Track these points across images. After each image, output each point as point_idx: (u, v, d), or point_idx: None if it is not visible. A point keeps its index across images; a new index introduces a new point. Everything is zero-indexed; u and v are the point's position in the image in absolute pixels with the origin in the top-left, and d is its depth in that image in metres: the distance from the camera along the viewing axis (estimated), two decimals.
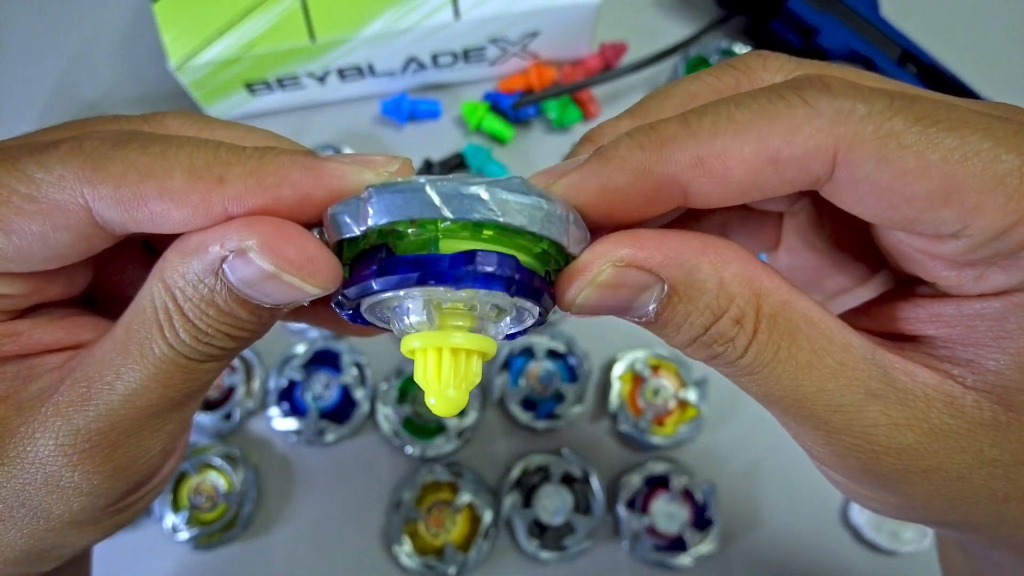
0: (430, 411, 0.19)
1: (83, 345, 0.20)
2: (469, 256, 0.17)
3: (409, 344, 0.18)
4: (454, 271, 0.17)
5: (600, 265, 0.18)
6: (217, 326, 0.18)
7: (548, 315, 0.20)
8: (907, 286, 0.20)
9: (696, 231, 0.18)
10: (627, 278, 0.18)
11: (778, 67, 0.20)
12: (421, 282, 0.17)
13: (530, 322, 0.20)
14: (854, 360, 0.18)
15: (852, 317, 0.21)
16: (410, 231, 0.17)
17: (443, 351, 0.18)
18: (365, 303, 0.19)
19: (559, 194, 0.18)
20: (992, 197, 0.16)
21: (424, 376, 0.18)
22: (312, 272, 0.17)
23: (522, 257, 0.18)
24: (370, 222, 0.17)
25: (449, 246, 0.17)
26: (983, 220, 0.16)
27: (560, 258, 0.19)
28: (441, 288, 0.17)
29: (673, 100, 0.20)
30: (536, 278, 0.18)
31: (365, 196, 0.17)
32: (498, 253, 0.17)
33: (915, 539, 0.44)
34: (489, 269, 0.17)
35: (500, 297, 0.18)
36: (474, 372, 0.18)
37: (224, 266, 0.17)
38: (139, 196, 0.17)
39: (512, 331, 0.20)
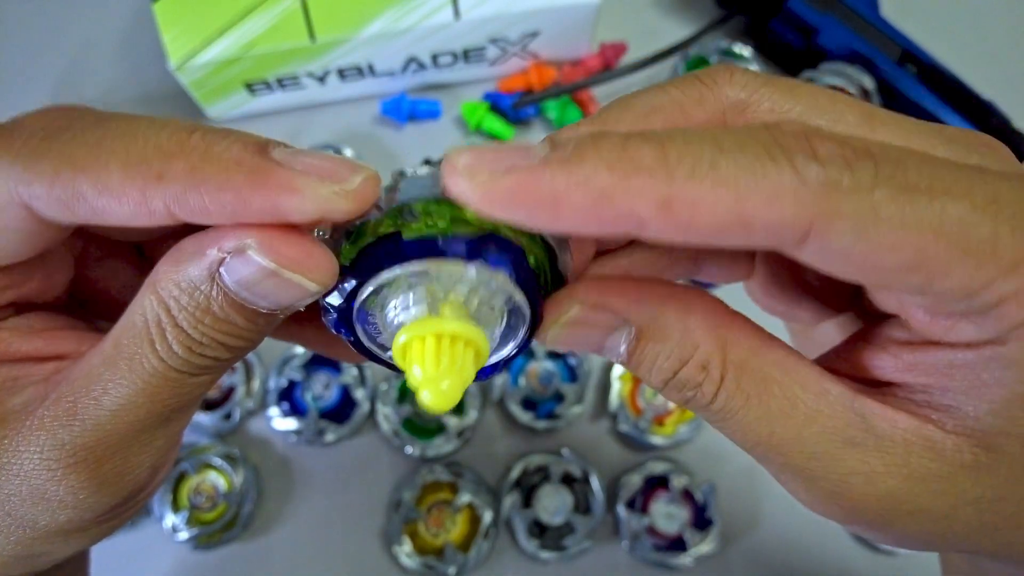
0: (427, 411, 0.19)
1: (66, 356, 0.20)
2: (485, 237, 0.18)
3: (400, 339, 0.18)
4: (472, 247, 0.17)
5: (567, 305, 0.18)
6: (212, 335, 0.18)
7: (530, 340, 0.20)
8: (881, 327, 0.21)
9: (667, 281, 0.19)
10: (592, 318, 0.19)
11: (743, 83, 0.19)
12: (439, 253, 0.17)
13: (512, 345, 0.20)
14: (831, 407, 0.18)
15: (828, 361, 0.21)
16: (430, 214, 0.18)
17: (442, 338, 0.18)
18: (363, 294, 0.19)
19: (502, 192, 0.15)
20: (962, 265, 0.15)
21: (420, 363, 0.18)
22: (312, 267, 0.17)
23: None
24: (399, 197, 0.18)
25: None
26: (949, 283, 0.16)
27: (546, 280, 0.19)
28: (456, 265, 0.17)
29: (633, 112, 0.19)
30: (536, 280, 0.18)
31: (391, 185, 0.18)
32: (513, 241, 0.18)
33: None
34: (504, 253, 0.18)
35: (504, 284, 0.18)
36: (470, 366, 0.18)
37: (221, 269, 0.17)
38: (76, 193, 0.17)
39: (495, 360, 0.20)
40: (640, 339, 0.18)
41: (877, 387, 0.19)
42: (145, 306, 0.18)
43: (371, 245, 0.18)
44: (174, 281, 0.17)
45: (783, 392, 0.18)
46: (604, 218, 0.15)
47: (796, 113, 0.19)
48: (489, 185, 0.15)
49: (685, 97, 0.19)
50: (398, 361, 0.18)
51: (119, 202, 0.17)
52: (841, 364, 0.21)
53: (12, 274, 0.19)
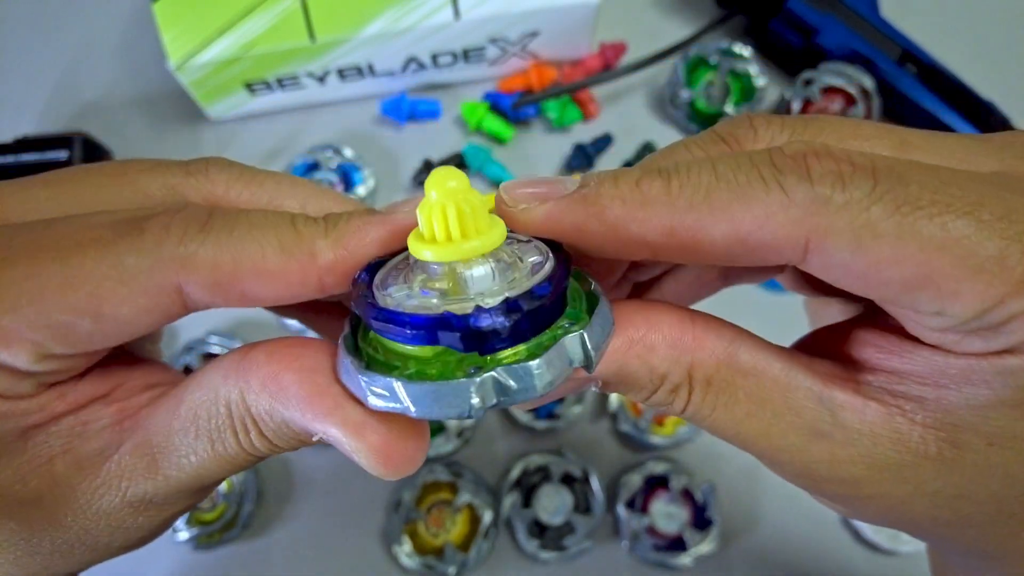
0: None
1: (116, 389, 0.21)
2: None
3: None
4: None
5: None
6: (290, 445, 0.20)
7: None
8: (888, 315, 0.21)
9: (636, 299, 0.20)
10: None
11: (769, 138, 0.20)
12: None
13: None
14: (799, 402, 0.19)
15: (823, 338, 0.22)
16: None
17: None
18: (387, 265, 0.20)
19: (537, 218, 0.19)
20: (971, 284, 0.16)
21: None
22: (397, 470, 0.19)
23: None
24: None
25: None
26: (960, 305, 0.16)
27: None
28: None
29: None
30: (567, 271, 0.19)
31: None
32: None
33: (914, 539, 0.44)
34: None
35: (539, 244, 0.19)
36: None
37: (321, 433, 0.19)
38: (235, 278, 0.18)
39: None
40: (607, 385, 0.20)
41: (857, 370, 0.20)
42: (232, 401, 0.19)
43: None
44: (267, 411, 0.19)
45: (749, 396, 0.19)
46: (620, 243, 0.18)
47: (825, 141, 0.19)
48: (526, 213, 0.19)
49: (707, 156, 0.20)
50: (415, 252, 0.18)
51: (275, 283, 0.19)
52: (834, 342, 0.21)
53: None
